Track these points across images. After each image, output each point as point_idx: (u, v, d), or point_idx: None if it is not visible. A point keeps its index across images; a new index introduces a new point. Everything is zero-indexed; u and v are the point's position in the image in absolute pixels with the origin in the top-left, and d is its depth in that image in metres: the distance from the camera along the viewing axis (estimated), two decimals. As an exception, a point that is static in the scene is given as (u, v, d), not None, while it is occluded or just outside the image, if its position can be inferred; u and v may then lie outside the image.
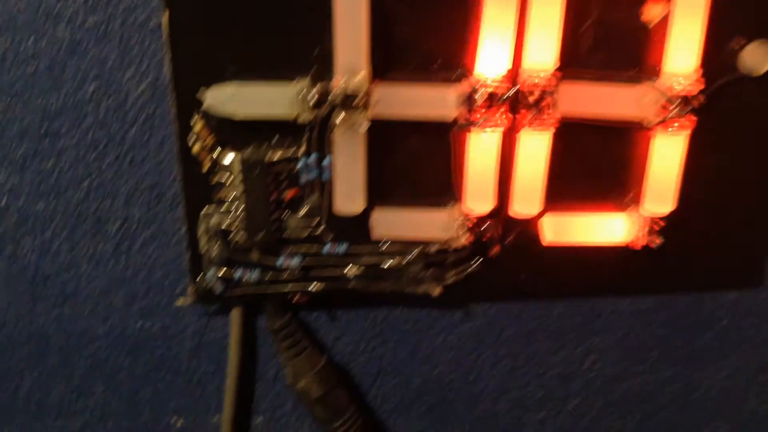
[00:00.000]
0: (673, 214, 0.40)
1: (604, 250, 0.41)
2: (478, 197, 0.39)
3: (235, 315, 0.43)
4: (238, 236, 0.40)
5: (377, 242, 0.41)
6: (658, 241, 0.40)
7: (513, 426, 0.47)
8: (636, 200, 0.41)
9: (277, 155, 0.39)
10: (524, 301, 0.45)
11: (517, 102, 0.38)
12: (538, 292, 0.44)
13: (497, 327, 0.45)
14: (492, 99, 0.37)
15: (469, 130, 0.38)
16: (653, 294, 0.45)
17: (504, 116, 0.38)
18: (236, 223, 0.40)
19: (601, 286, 0.43)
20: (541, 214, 0.41)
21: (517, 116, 0.38)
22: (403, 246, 0.41)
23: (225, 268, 0.41)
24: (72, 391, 0.45)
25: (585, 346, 0.45)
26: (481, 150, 0.38)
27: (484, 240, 0.41)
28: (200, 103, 0.37)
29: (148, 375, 0.44)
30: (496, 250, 0.41)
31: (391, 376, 0.45)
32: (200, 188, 0.39)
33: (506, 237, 0.41)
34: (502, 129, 0.38)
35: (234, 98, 0.37)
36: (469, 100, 0.37)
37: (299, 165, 0.39)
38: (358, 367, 0.45)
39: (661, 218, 0.40)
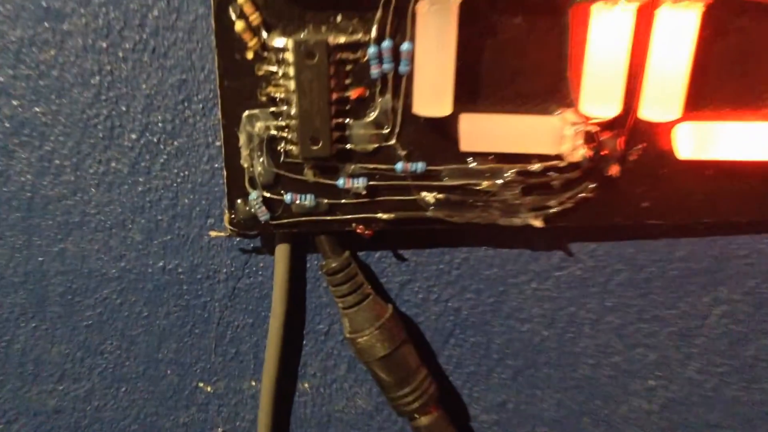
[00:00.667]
0: None
1: (756, 171, 0.33)
2: (599, 97, 0.31)
3: (282, 252, 0.35)
4: (290, 147, 0.32)
5: (464, 158, 0.32)
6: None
7: (617, 396, 0.38)
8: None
9: (342, 39, 0.30)
10: (640, 239, 0.36)
11: (658, -32, 0.29)
12: (660, 228, 0.35)
13: (604, 272, 0.36)
14: (626, -37, 0.28)
15: (592, 4, 0.29)
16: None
17: (641, -14, 0.29)
18: (287, 131, 0.31)
19: (739, 220, 0.34)
20: (677, 122, 0.32)
21: (658, -13, 0.29)
22: (497, 163, 0.32)
23: (272, 190, 0.32)
24: (77, 349, 0.37)
25: (710, 298, 0.37)
26: (608, 32, 0.29)
27: (601, 156, 0.32)
28: (245, -35, 0.29)
29: (170, 329, 0.38)
30: (615, 169, 0.32)
31: (470, 332, 0.38)
32: (242, 83, 0.31)
33: (630, 151, 0.32)
34: (638, 3, 0.29)
35: (289, -42, 0.28)
36: (597, -38, 0.28)
37: (369, 53, 0.30)
38: (429, 320, 0.37)
39: None
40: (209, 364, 0.38)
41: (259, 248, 0.36)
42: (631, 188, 0.33)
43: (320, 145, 0.31)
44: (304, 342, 0.37)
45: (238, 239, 0.36)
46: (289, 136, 0.31)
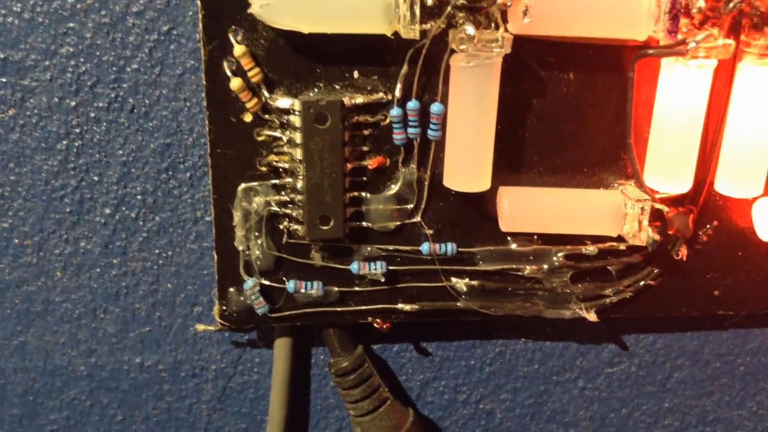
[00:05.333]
0: None
1: None
2: (668, 169, 0.26)
3: (282, 347, 0.30)
4: (295, 227, 0.26)
5: (504, 239, 0.27)
6: None
7: None
8: None
9: (359, 99, 0.25)
10: (706, 331, 0.31)
11: (741, 16, 0.24)
12: (735, 317, 0.30)
13: (663, 369, 0.32)
14: (705, 12, 0.24)
15: (662, 57, 0.24)
16: None
17: (722, 37, 0.24)
18: (292, 207, 0.26)
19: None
20: (757, 197, 0.27)
21: (741, 40, 0.24)
22: (542, 245, 0.27)
23: (272, 277, 0.27)
24: None
25: None
26: (681, 92, 0.25)
27: (667, 236, 0.27)
28: (242, 11, 0.24)
29: None
30: (683, 252, 0.27)
31: (505, 439, 0.31)
32: (239, 150, 0.26)
33: (701, 232, 0.27)
34: (716, 60, 0.24)
35: (297, 2, 0.23)
36: (671, 11, 0.23)
37: (392, 115, 0.25)
38: (457, 426, 0.33)
39: None
40: (194, 476, 0.32)
41: (254, 341, 0.31)
42: (701, 274, 0.28)
43: (331, 224, 0.26)
44: (308, 452, 0.32)
45: (230, 333, 0.30)
46: (294, 214, 0.26)
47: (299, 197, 0.26)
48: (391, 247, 0.27)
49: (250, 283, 0.27)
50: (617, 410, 0.32)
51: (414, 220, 0.27)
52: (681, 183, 0.26)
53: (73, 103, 0.28)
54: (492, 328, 0.31)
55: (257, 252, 0.27)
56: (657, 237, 0.25)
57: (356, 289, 0.28)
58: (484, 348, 0.31)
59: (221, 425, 0.32)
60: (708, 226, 0.27)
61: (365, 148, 0.26)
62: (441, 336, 0.31)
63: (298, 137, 0.25)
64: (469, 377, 0.31)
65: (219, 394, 0.31)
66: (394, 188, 0.27)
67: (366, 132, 0.26)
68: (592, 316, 0.28)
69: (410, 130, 0.26)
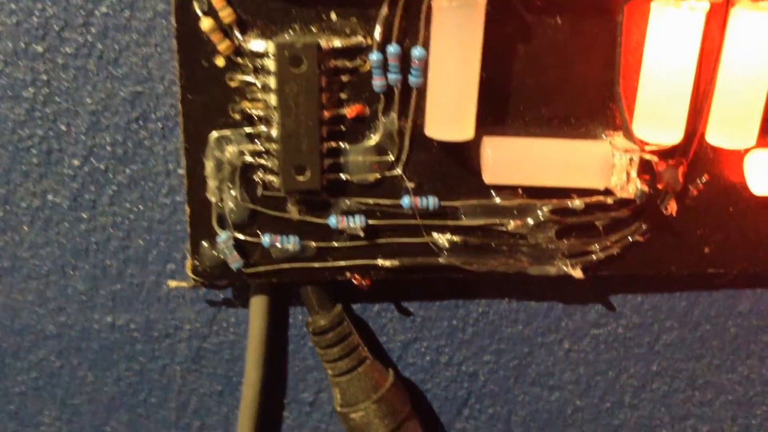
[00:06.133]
0: None
1: None
2: (658, 119, 0.25)
3: (258, 305, 0.29)
4: (269, 178, 0.25)
5: (488, 192, 0.26)
6: None
7: (664, 478, 0.32)
8: None
9: (336, 42, 0.24)
10: (696, 291, 0.30)
11: (736, -44, 0.23)
12: (721, 278, 0.29)
13: (651, 331, 0.31)
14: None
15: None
16: None
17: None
18: (266, 157, 0.25)
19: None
20: (750, 149, 0.26)
21: (735, -18, 0.23)
22: (527, 199, 0.26)
23: (246, 231, 0.26)
24: (8, 419, 0.31)
25: None
26: (672, 37, 0.23)
27: (656, 190, 0.26)
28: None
29: (121, 397, 0.31)
30: (672, 207, 0.26)
31: (488, 402, 0.32)
32: (210, 96, 0.25)
33: (691, 186, 0.26)
34: (709, 2, 0.23)
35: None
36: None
37: (371, 60, 0.24)
38: (439, 388, 0.32)
39: None
40: (168, 440, 0.31)
41: (230, 300, 0.30)
42: (691, 230, 0.27)
43: (307, 175, 0.25)
44: (285, 414, 0.31)
45: (204, 289, 0.29)
46: (269, 164, 0.25)
47: (274, 146, 0.25)
48: (370, 201, 0.26)
49: (223, 236, 0.26)
50: (604, 373, 0.31)
51: (395, 172, 0.26)
52: (671, 133, 0.25)
53: (40, 49, 0.26)
54: (475, 287, 0.30)
55: (231, 204, 0.26)
56: (645, 188, 0.25)
57: (334, 244, 0.27)
58: (467, 308, 0.30)
59: (196, 387, 0.31)
60: (699, 180, 0.26)
61: (343, 96, 0.25)
62: (422, 296, 0.30)
63: (272, 82, 0.24)
64: (452, 338, 0.30)
65: (193, 355, 0.30)
66: (374, 138, 0.26)
67: (344, 78, 0.25)
68: (578, 273, 0.27)
69: (390, 76, 0.24)
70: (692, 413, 0.32)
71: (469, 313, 0.30)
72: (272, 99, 0.24)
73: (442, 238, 0.27)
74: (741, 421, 0.32)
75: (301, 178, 0.25)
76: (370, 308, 0.30)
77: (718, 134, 0.25)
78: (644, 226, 0.27)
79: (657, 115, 0.24)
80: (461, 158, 0.26)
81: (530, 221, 0.26)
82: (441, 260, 0.27)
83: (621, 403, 0.31)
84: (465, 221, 0.27)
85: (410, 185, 0.26)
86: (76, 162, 0.28)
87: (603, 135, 0.26)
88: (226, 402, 0.31)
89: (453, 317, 0.30)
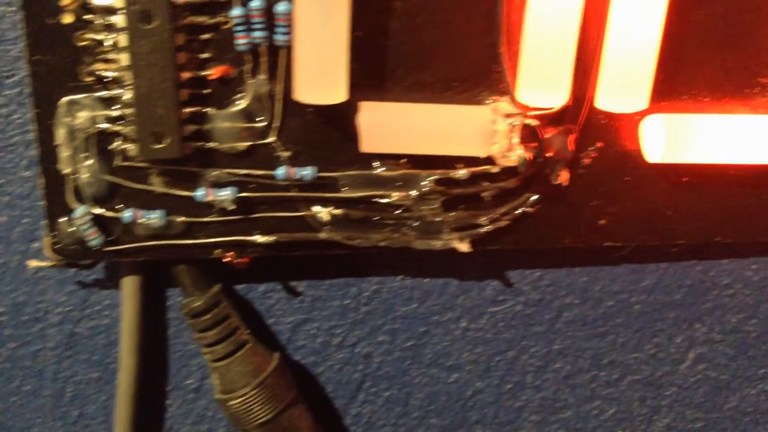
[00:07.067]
0: None
1: (738, 177, 0.26)
2: (542, 81, 0.23)
3: (129, 287, 0.27)
4: (127, 146, 0.23)
5: (368, 162, 0.25)
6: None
7: (569, 461, 0.31)
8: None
9: (193, -4, 0.22)
10: (597, 266, 0.28)
11: None
12: (622, 252, 0.28)
13: (551, 308, 0.30)
14: None
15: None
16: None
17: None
18: (123, 123, 0.23)
19: (722, 242, 0.27)
20: (644, 114, 0.24)
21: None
22: (411, 169, 0.25)
23: (106, 205, 0.24)
24: None
25: (684, 338, 0.30)
26: (553, -8, 0.22)
27: (545, 158, 0.24)
28: None
29: None
30: (564, 176, 0.25)
31: (384, 385, 0.30)
32: (59, 57, 0.23)
33: (583, 153, 0.25)
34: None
35: None
36: None
37: (233, 16, 0.22)
38: (332, 371, 0.30)
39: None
40: (46, 430, 0.29)
41: (102, 281, 0.28)
42: (584, 201, 0.26)
43: (166, 142, 0.23)
44: (168, 402, 0.29)
45: (74, 270, 0.27)
46: (126, 131, 0.23)
47: (129, 111, 0.23)
48: (242, 171, 0.24)
49: (80, 211, 0.24)
50: (503, 352, 0.29)
51: (268, 140, 0.24)
52: (555, 96, 0.23)
53: None
54: (367, 263, 0.28)
55: (86, 175, 0.24)
56: (527, 156, 0.23)
57: (204, 219, 0.25)
58: (359, 286, 0.28)
59: (71, 374, 0.29)
60: (591, 147, 0.25)
61: (205, 55, 0.23)
62: (311, 274, 0.28)
63: (122, 40, 0.22)
64: (344, 318, 0.29)
65: (66, 340, 0.28)
66: (242, 103, 0.24)
67: (205, 36, 0.23)
68: (464, 247, 0.25)
69: (255, 34, 0.23)
70: (598, 394, 0.30)
71: (361, 292, 0.29)
72: (124, 59, 0.22)
73: (323, 212, 0.25)
74: (650, 402, 0.31)
75: (158, 146, 0.23)
76: (255, 288, 0.28)
77: (606, 98, 0.23)
78: (534, 197, 0.25)
79: (539, 77, 0.23)
80: (339, 125, 0.24)
81: (414, 192, 0.25)
82: (322, 235, 0.25)
83: (523, 383, 0.30)
84: (345, 193, 0.25)
85: (285, 154, 0.24)
86: None
87: (489, 100, 0.24)
88: (104, 389, 0.29)
89: (345, 296, 0.29)
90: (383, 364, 0.29)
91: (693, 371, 0.30)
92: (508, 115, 0.23)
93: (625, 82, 0.23)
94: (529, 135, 0.24)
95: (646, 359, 0.30)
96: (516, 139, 0.23)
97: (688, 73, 0.25)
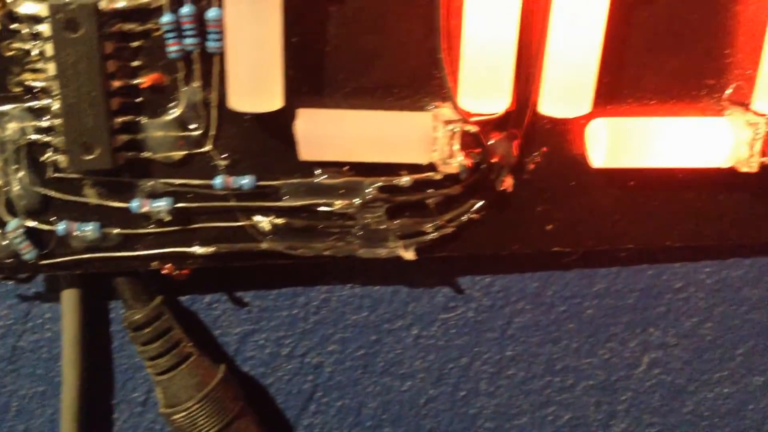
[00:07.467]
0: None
1: (685, 180, 0.25)
2: (482, 87, 0.23)
3: (69, 299, 0.26)
4: (58, 157, 0.23)
5: (310, 170, 0.24)
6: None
7: (525, 468, 0.30)
8: (742, 96, 0.24)
9: (119, 3, 0.21)
10: (548, 271, 0.28)
11: None
12: (573, 255, 0.28)
13: (503, 313, 0.29)
14: None
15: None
16: (754, 255, 0.29)
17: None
18: (53, 134, 0.22)
19: (672, 245, 0.27)
20: (589, 118, 0.24)
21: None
22: (354, 176, 0.24)
23: (39, 217, 0.23)
24: None
25: (638, 342, 0.30)
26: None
27: (490, 164, 0.24)
28: None
29: None
30: (508, 182, 0.24)
31: (336, 395, 0.30)
32: (-20, 66, 0.22)
33: (528, 158, 0.25)
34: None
35: None
36: None
37: (163, 22, 0.22)
38: (282, 382, 0.29)
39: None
40: (-10, 448, 0.28)
41: (43, 294, 0.27)
42: (530, 207, 0.25)
43: (96, 153, 0.22)
44: (115, 416, 0.29)
45: (13, 283, 0.26)
46: (56, 142, 0.22)
47: (58, 122, 0.22)
48: (177, 181, 0.24)
49: (12, 224, 0.23)
50: (456, 360, 0.29)
51: (203, 149, 0.24)
52: (496, 101, 0.23)
53: None
54: (315, 272, 0.28)
55: (17, 188, 0.23)
56: (468, 163, 0.23)
57: (140, 231, 0.24)
58: (308, 295, 0.28)
59: (15, 388, 0.28)
60: (536, 152, 0.25)
61: (136, 64, 0.22)
62: (258, 284, 0.28)
63: (49, 49, 0.21)
64: (293, 328, 0.28)
65: (9, 354, 0.28)
66: (176, 111, 0.23)
67: (135, 44, 0.22)
68: (409, 255, 0.25)
69: (186, 41, 0.22)
70: (553, 400, 0.30)
71: (310, 301, 0.28)
72: (52, 69, 0.22)
73: (264, 221, 0.24)
74: (606, 407, 0.30)
75: (89, 157, 0.22)
76: (201, 299, 0.28)
77: (549, 103, 0.23)
78: (479, 204, 0.25)
79: (480, 83, 0.22)
80: (278, 133, 0.24)
81: (357, 200, 0.24)
82: (263, 245, 0.25)
83: (477, 390, 0.30)
84: (287, 202, 0.24)
85: (222, 163, 0.24)
86: None
87: (431, 106, 0.24)
88: (50, 403, 0.28)
89: (293, 306, 0.28)
90: (334, 373, 0.29)
91: (648, 375, 0.30)
92: (448, 122, 0.22)
93: (567, 87, 0.23)
94: (472, 141, 0.23)
95: (601, 364, 0.30)
96: (457, 146, 0.23)
97: (633, 75, 0.24)
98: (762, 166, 0.24)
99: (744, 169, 0.24)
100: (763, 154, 0.24)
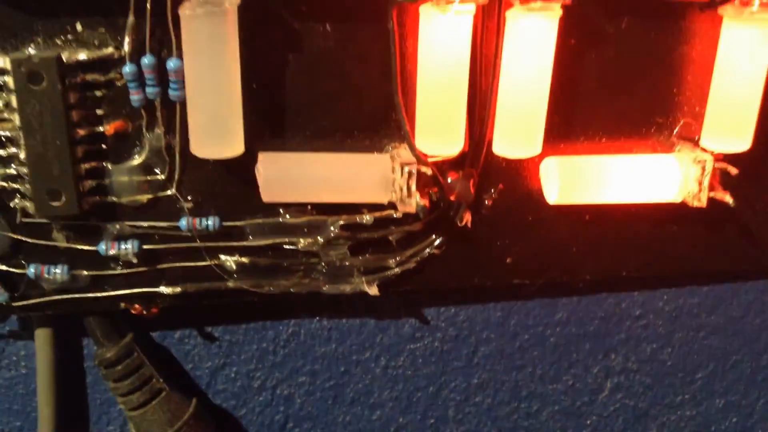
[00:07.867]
0: (750, 155, 0.25)
1: (638, 215, 0.26)
2: (437, 128, 0.23)
3: (43, 339, 0.27)
4: (26, 203, 0.23)
5: (274, 210, 0.25)
6: (725, 198, 0.25)
7: (494, 493, 0.31)
8: (690, 133, 0.25)
9: (82, 55, 0.22)
10: (510, 301, 0.29)
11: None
12: (533, 286, 0.28)
13: (468, 343, 0.30)
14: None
15: (421, 3, 0.22)
16: (710, 283, 0.29)
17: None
18: (21, 181, 0.23)
19: (629, 275, 0.28)
20: (541, 157, 0.25)
21: (504, -17, 0.22)
22: (316, 215, 0.25)
23: (9, 261, 0.24)
24: None
25: (600, 368, 0.31)
26: (440, 41, 0.22)
27: (449, 202, 0.25)
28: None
29: None
30: (467, 218, 0.25)
31: (307, 425, 0.31)
32: (-53, 118, 0.22)
33: (485, 196, 0.25)
34: (474, 4, 0.22)
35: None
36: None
37: (125, 73, 0.22)
38: (253, 414, 0.30)
39: (730, 161, 0.25)
40: (-33, 483, 0.29)
41: (16, 332, 0.27)
42: (489, 241, 0.26)
43: (63, 199, 0.23)
44: (89, 450, 0.29)
45: (-16, 323, 0.27)
46: (24, 189, 0.23)
47: (26, 170, 0.23)
48: (145, 224, 0.24)
49: (-17, 268, 0.24)
50: (424, 388, 0.30)
51: (168, 192, 0.24)
52: (451, 143, 0.23)
53: None
54: (283, 306, 0.28)
55: (-13, 234, 0.24)
56: (424, 203, 0.23)
57: (109, 272, 0.25)
58: (276, 329, 0.28)
59: (-9, 425, 0.29)
60: (492, 190, 0.25)
61: (100, 112, 0.23)
62: (228, 319, 0.28)
63: (14, 101, 0.22)
64: (263, 361, 0.29)
65: (-15, 392, 0.28)
66: (140, 157, 0.24)
67: (99, 93, 0.23)
68: (373, 290, 0.25)
69: (148, 90, 0.23)
70: (519, 425, 0.31)
71: (278, 335, 0.29)
72: (18, 119, 0.22)
73: (230, 260, 0.25)
74: None
75: (56, 203, 0.23)
76: (171, 335, 0.28)
77: (501, 144, 0.24)
78: (439, 240, 0.25)
79: (435, 126, 0.23)
80: (241, 175, 0.24)
81: (321, 238, 0.25)
82: (230, 284, 0.25)
83: (445, 418, 0.30)
84: (252, 241, 0.25)
85: (187, 205, 0.24)
86: None
87: (390, 147, 0.24)
88: (26, 439, 0.29)
89: (262, 340, 0.29)
90: (305, 404, 0.30)
91: (611, 400, 0.31)
92: (405, 163, 0.23)
93: (517, 130, 0.23)
94: (430, 180, 0.24)
95: (565, 390, 0.31)
96: (414, 186, 0.23)
97: (584, 114, 0.25)
98: (710, 200, 0.25)
99: (694, 204, 0.25)
100: (711, 188, 0.25)
